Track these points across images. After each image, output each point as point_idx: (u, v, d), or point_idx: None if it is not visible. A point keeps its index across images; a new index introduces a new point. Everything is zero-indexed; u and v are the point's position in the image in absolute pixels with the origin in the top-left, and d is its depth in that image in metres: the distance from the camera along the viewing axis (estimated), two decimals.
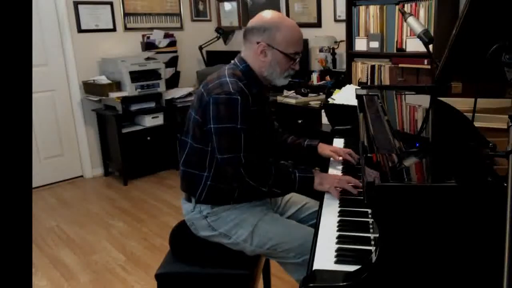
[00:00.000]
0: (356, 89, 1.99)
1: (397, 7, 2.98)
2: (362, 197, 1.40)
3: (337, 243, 1.17)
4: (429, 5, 2.78)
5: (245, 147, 1.48)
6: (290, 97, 3.70)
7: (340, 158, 1.78)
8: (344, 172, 1.73)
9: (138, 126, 4.06)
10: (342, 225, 1.28)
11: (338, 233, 1.23)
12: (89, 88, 3.96)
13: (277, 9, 4.16)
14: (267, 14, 1.57)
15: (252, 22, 1.57)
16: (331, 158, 1.83)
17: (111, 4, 4.10)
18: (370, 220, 1.23)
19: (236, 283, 1.54)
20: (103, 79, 3.91)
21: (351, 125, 2.07)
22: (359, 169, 1.65)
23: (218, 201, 1.58)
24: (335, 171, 1.76)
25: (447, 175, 1.02)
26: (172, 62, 4.40)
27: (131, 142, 3.93)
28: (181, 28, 4.63)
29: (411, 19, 1.80)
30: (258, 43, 1.53)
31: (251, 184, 1.50)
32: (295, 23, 1.58)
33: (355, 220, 1.31)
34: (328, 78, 3.73)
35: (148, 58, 4.00)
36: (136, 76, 3.84)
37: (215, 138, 1.49)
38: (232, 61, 1.62)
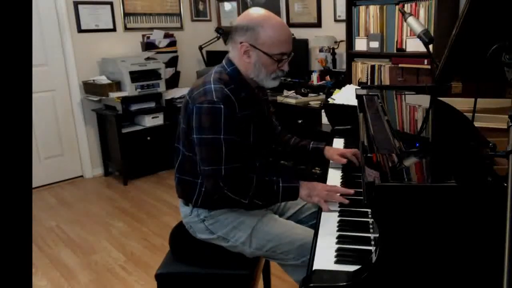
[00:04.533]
0: (356, 89, 1.99)
1: (397, 7, 2.98)
2: (362, 197, 1.40)
3: (337, 243, 1.17)
4: (429, 5, 2.78)
5: (227, 159, 1.42)
6: (290, 97, 3.70)
7: (345, 160, 1.72)
8: (344, 173, 1.73)
9: (138, 126, 4.06)
10: (342, 225, 1.28)
11: (338, 233, 1.23)
12: (89, 88, 3.96)
13: (277, 8, 4.16)
14: (253, 12, 1.48)
15: (237, 21, 1.50)
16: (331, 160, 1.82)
17: (111, 4, 4.10)
18: (370, 220, 1.23)
19: (236, 283, 1.54)
20: (103, 79, 3.91)
21: (351, 125, 2.07)
22: (358, 170, 1.65)
23: (215, 205, 1.56)
24: (334, 171, 1.75)
25: (447, 175, 1.02)
26: (172, 62, 4.40)
27: (131, 142, 3.93)
28: (181, 28, 4.63)
29: (411, 19, 1.80)
30: (241, 43, 1.46)
31: (230, 196, 1.45)
32: (282, 22, 1.49)
33: (355, 220, 1.31)
34: (328, 78, 3.73)
35: (148, 58, 4.00)
36: (136, 76, 3.84)
37: (197, 149, 1.45)
38: (221, 63, 1.56)
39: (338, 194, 1.44)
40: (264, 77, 1.50)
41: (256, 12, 1.48)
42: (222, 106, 1.40)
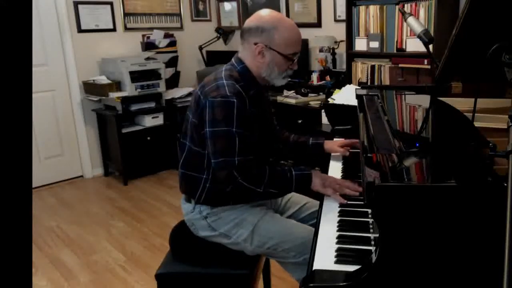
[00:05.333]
0: (356, 89, 1.99)
1: (397, 7, 2.98)
2: (362, 197, 1.40)
3: (337, 243, 1.17)
4: (429, 5, 2.78)
5: (241, 151, 1.45)
6: (290, 97, 3.70)
7: (345, 151, 1.79)
8: (344, 167, 1.73)
9: (138, 126, 4.06)
10: (342, 225, 1.28)
11: (338, 233, 1.23)
12: (89, 88, 3.97)
13: (277, 9, 4.16)
14: (265, 14, 1.53)
15: (249, 22, 1.54)
16: (332, 154, 1.83)
17: (111, 4, 4.10)
18: (370, 220, 1.23)
19: (236, 283, 1.54)
20: (103, 79, 3.91)
21: (351, 125, 2.07)
22: (358, 170, 1.65)
23: (218, 202, 1.57)
24: (336, 164, 1.76)
25: (447, 175, 1.02)
26: (172, 62, 4.40)
27: (131, 142, 3.93)
28: (181, 28, 4.63)
29: (411, 19, 1.80)
30: (256, 44, 1.51)
31: (245, 185, 1.46)
32: (293, 23, 1.55)
33: (355, 220, 1.31)
34: (328, 78, 3.73)
35: (148, 58, 4.00)
36: (136, 76, 3.84)
37: (209, 141, 1.47)
38: (230, 62, 1.60)
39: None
40: (276, 76, 1.56)
41: (269, 14, 1.53)
42: (235, 100, 1.44)
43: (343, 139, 2.09)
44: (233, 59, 1.59)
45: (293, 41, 1.52)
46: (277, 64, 1.53)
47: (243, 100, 1.47)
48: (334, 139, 2.10)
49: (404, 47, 3.00)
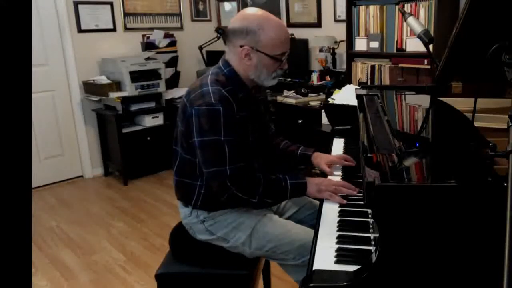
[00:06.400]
0: (356, 89, 1.99)
1: (397, 7, 2.98)
2: (362, 197, 1.40)
3: (337, 243, 1.17)
4: (429, 5, 2.78)
5: (231, 159, 1.41)
6: (290, 97, 3.70)
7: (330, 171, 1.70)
8: (343, 173, 1.73)
9: (138, 126, 4.06)
10: (342, 225, 1.28)
11: (338, 233, 1.23)
12: (89, 88, 3.97)
13: (277, 9, 4.16)
14: (250, 13, 1.45)
15: (234, 23, 1.46)
16: (334, 139, 1.81)
17: (111, 4, 4.10)
18: (370, 220, 1.23)
19: (236, 283, 1.54)
20: (103, 79, 3.91)
21: (351, 125, 2.07)
22: (358, 170, 1.65)
23: (214, 207, 1.55)
24: (334, 173, 1.75)
25: (447, 175, 1.02)
26: (172, 62, 4.40)
27: (131, 142, 3.93)
28: (181, 28, 4.63)
29: (411, 19, 1.80)
30: (241, 46, 1.44)
31: (239, 196, 1.43)
32: (280, 22, 1.48)
33: (355, 220, 1.30)
34: (328, 78, 3.73)
35: (148, 58, 4.00)
36: (136, 76, 3.84)
37: (199, 151, 1.44)
38: (217, 64, 1.54)
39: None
40: (265, 77, 1.50)
41: (253, 13, 1.46)
42: (220, 107, 1.40)
43: (342, 139, 2.09)
44: (220, 62, 1.53)
45: (281, 41, 1.45)
46: (265, 66, 1.46)
47: (230, 106, 1.42)
48: (334, 139, 2.10)
49: (404, 47, 3.00)
